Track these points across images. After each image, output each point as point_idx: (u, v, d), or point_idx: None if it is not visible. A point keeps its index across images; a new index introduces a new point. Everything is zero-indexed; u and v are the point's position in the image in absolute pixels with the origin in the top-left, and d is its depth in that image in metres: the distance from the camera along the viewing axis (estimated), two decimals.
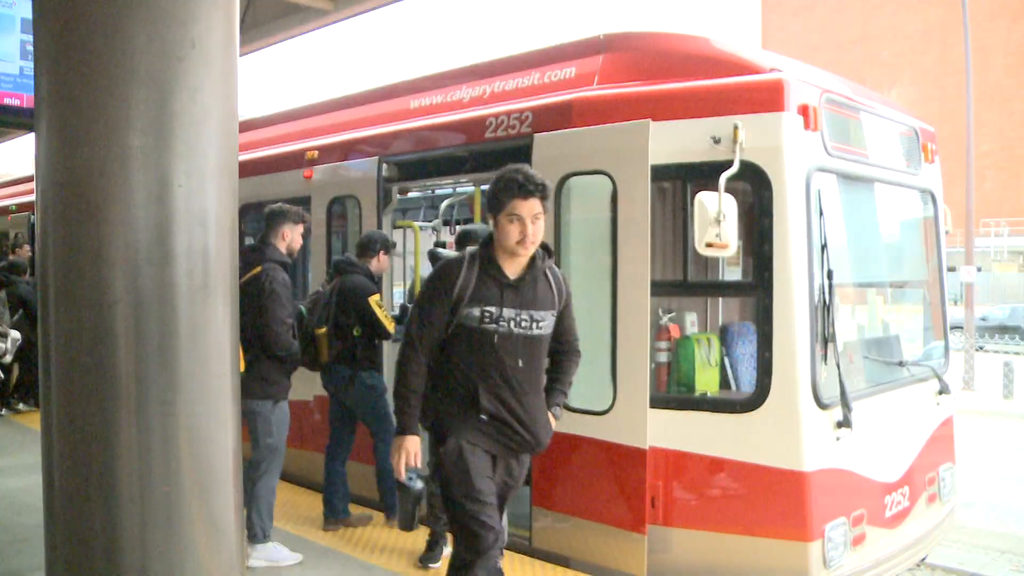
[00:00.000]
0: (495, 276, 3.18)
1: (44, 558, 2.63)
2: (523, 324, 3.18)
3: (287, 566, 4.75)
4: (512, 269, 3.21)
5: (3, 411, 9.41)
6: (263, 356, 4.67)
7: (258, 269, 4.69)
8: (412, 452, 3.21)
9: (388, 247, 5.47)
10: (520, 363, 3.19)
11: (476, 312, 3.14)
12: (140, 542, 2.47)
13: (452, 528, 3.25)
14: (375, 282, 5.32)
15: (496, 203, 3.14)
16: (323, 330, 5.08)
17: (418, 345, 3.20)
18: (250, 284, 4.63)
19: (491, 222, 3.21)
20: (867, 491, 4.50)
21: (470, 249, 3.32)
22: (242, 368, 4.44)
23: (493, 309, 3.15)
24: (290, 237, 4.89)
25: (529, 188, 3.09)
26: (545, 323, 3.25)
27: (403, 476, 3.23)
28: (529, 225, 3.10)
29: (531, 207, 3.10)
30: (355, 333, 5.12)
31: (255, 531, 4.73)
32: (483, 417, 3.16)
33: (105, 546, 2.46)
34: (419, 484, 3.28)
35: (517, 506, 4.57)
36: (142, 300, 2.43)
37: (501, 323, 3.14)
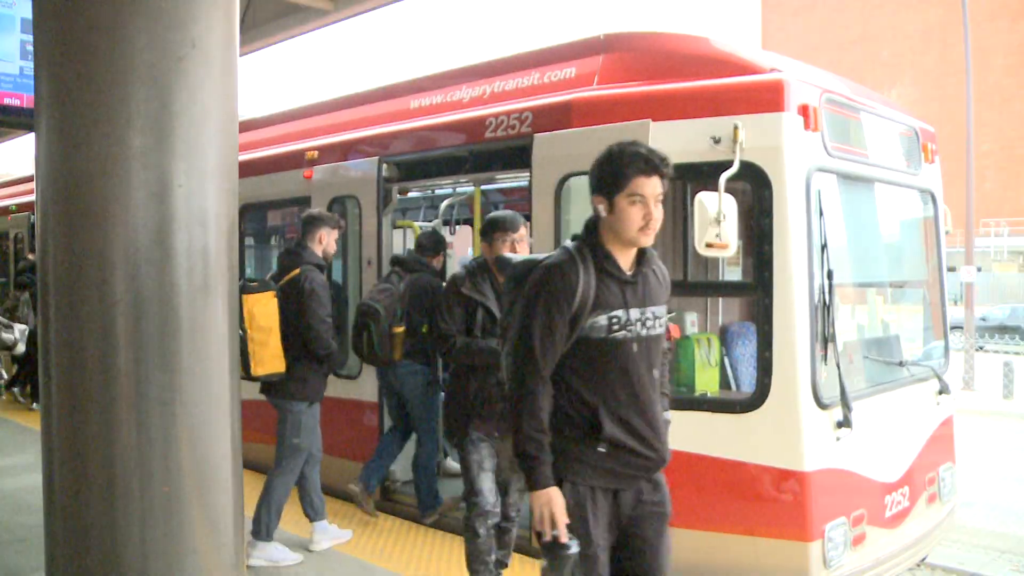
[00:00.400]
0: (613, 273, 2.70)
1: (44, 558, 2.63)
2: (647, 324, 2.74)
3: (287, 566, 4.75)
4: (626, 262, 2.75)
5: (13, 387, 9.56)
6: (303, 357, 4.75)
7: (296, 271, 4.79)
8: (564, 505, 2.65)
9: (445, 248, 5.84)
10: (651, 373, 2.76)
11: (603, 320, 2.66)
12: (140, 542, 2.47)
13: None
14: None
15: (613, 182, 2.67)
16: (402, 328, 5.21)
17: (545, 374, 2.68)
18: (289, 286, 4.75)
19: (601, 207, 2.72)
20: (867, 491, 4.50)
21: (570, 244, 2.78)
22: (283, 369, 4.64)
23: (620, 313, 2.68)
24: (326, 241, 4.99)
25: (654, 163, 2.66)
26: (663, 319, 2.84)
27: (565, 536, 2.62)
28: (653, 207, 2.66)
29: (655, 186, 2.66)
30: (423, 330, 5.25)
31: (260, 527, 4.76)
32: (601, 449, 2.67)
33: (105, 546, 2.46)
34: (576, 547, 2.64)
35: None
36: (142, 300, 2.43)
37: (630, 328, 2.70)
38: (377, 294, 5.33)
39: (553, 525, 2.62)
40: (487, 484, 3.99)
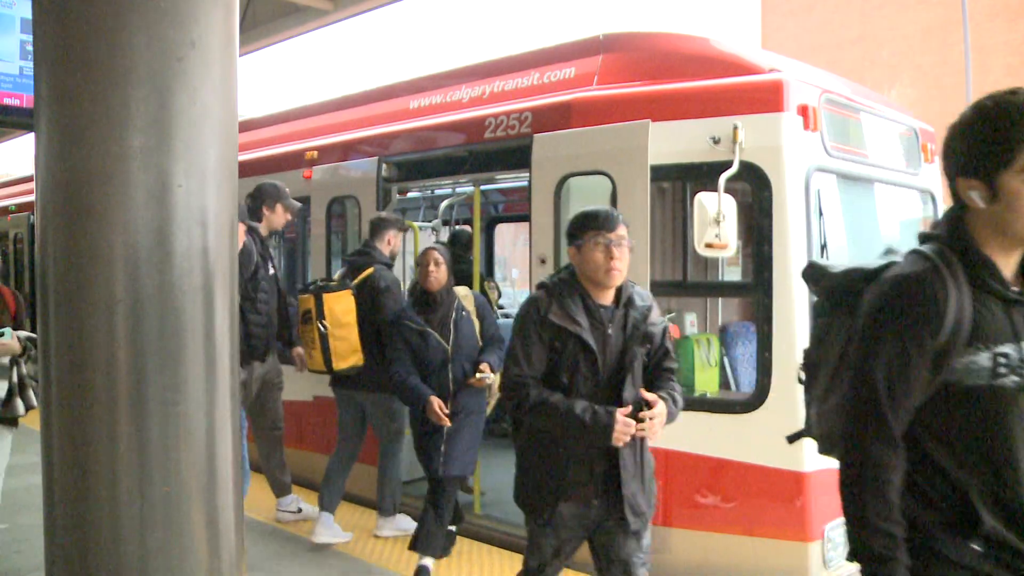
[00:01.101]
0: (996, 291, 1.83)
1: (44, 557, 2.63)
2: None
3: (289, 564, 4.77)
4: (1009, 274, 1.88)
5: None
6: (376, 350, 5.03)
7: (370, 270, 5.07)
8: None
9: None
10: None
11: (984, 360, 1.79)
12: (140, 542, 2.46)
13: None
14: None
15: (997, 153, 1.78)
16: None
17: (896, 434, 1.84)
18: (363, 284, 5.06)
19: (976, 194, 1.82)
20: None
21: (927, 248, 1.89)
22: (362, 363, 4.98)
23: (1010, 350, 1.80)
24: (394, 243, 5.31)
25: None
26: None
27: None
28: None
29: None
30: None
31: (386, 504, 5.19)
32: (975, 547, 1.84)
33: (105, 546, 2.46)
34: None
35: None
36: (142, 300, 2.43)
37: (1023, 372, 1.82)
38: None
39: None
40: (550, 571, 3.20)
